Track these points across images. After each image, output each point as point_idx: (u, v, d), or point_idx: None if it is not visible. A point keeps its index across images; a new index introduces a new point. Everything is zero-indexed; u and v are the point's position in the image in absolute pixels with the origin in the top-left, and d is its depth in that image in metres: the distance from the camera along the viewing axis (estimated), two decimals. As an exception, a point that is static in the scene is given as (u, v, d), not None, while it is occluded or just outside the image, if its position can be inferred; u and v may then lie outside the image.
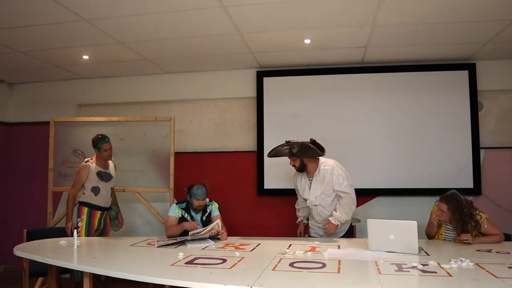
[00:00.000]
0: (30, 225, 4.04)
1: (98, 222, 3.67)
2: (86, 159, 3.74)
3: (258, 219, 4.72)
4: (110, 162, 3.79)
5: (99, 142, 3.66)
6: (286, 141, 3.36)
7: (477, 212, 3.03)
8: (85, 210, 3.64)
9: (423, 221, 3.30)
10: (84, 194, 3.64)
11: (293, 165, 3.34)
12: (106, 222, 3.80)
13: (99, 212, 3.68)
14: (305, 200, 3.39)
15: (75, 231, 2.97)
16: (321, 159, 3.36)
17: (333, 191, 3.28)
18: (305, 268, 2.23)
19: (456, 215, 3.00)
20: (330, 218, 3.23)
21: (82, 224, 3.61)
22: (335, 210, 3.24)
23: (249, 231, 4.31)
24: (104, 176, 3.68)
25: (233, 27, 3.55)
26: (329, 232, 3.23)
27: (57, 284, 3.25)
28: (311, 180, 3.35)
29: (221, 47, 4.10)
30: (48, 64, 4.55)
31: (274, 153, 3.37)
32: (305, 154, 3.26)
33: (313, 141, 3.32)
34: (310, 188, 3.34)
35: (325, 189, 3.27)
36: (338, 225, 3.22)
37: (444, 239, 3.13)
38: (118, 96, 5.12)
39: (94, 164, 3.66)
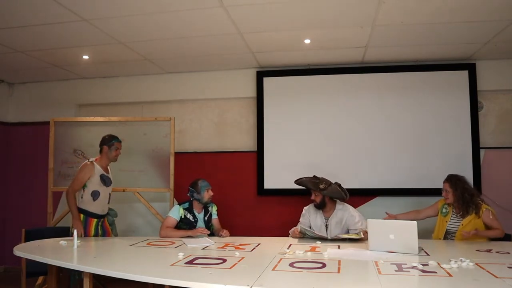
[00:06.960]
0: (30, 225, 4.04)
1: (94, 230, 3.44)
2: (90, 159, 3.50)
3: (258, 219, 4.72)
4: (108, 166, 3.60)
5: (113, 139, 3.51)
6: (314, 176, 3.55)
7: (482, 202, 3.16)
8: (81, 217, 3.39)
9: (423, 221, 3.31)
10: (82, 198, 3.41)
11: (313, 199, 3.44)
12: (105, 228, 3.56)
13: (95, 220, 3.44)
14: (320, 236, 3.28)
15: (74, 231, 2.96)
16: (339, 203, 3.46)
17: (348, 231, 3.31)
18: (305, 268, 2.23)
19: (458, 192, 3.14)
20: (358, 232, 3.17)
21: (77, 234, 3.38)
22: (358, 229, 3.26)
23: (249, 231, 4.30)
24: (106, 180, 3.48)
25: (233, 27, 3.55)
26: None
27: (57, 284, 3.24)
28: (327, 219, 3.42)
29: (221, 47, 4.09)
30: (48, 64, 4.55)
31: (300, 182, 3.56)
32: (330, 193, 3.38)
33: (339, 185, 3.46)
34: (327, 228, 3.40)
35: (342, 231, 3.34)
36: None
37: (447, 228, 3.21)
38: (118, 96, 5.11)
39: (98, 166, 3.46)
